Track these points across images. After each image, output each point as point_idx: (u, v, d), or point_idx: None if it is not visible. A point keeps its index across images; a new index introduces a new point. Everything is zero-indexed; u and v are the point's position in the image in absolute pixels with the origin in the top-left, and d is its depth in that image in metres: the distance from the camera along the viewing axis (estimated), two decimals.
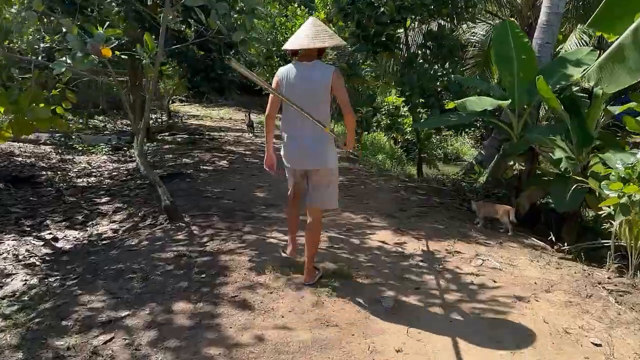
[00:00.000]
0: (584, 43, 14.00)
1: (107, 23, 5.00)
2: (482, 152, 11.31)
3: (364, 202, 6.18)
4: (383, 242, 4.62)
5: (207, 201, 5.77)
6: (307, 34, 3.33)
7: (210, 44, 7.53)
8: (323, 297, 3.41)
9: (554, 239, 5.10)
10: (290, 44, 3.39)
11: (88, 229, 5.54)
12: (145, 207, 5.96)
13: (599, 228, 6.23)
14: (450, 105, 5.29)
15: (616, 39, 4.37)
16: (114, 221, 5.70)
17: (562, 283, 3.77)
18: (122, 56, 4.88)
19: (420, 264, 4.12)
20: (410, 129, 9.13)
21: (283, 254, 4.00)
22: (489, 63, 15.08)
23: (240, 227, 4.87)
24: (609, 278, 4.01)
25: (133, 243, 4.65)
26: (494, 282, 3.76)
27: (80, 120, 13.71)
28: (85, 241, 5.11)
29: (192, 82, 8.66)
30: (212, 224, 4.97)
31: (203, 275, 3.77)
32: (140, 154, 5.25)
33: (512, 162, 5.55)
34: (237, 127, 14.52)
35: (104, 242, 5.00)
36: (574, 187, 4.90)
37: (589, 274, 4.06)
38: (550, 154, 5.19)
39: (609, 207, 4.37)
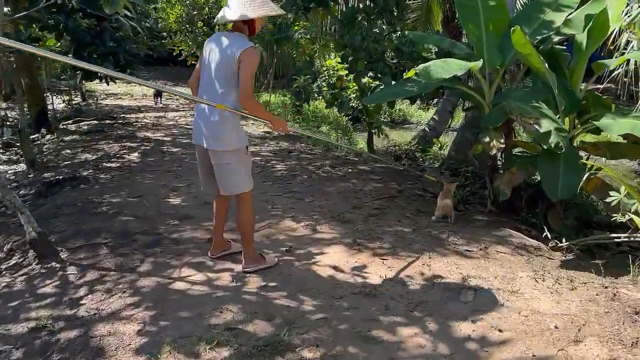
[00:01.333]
0: None
1: None
2: (434, 116, 10.24)
3: (307, 200, 4.93)
4: (336, 267, 3.40)
5: (99, 220, 4.32)
6: (231, 4, 3.08)
7: (98, 11, 5.87)
8: None
9: (549, 235, 4.08)
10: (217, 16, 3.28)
11: None
12: (19, 233, 4.44)
13: (586, 204, 5.31)
14: (411, 73, 4.03)
15: None
16: None
17: (590, 321, 2.68)
18: None
19: (390, 303, 2.93)
20: (354, 95, 7.85)
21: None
22: (431, 19, 13.89)
23: (137, 263, 3.50)
24: None
25: None
26: (500, 331, 2.62)
27: None
28: None
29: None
30: (98, 260, 3.56)
31: None
32: None
33: (488, 139, 4.41)
34: (160, 106, 12.80)
35: None
36: (569, 167, 3.86)
37: (615, 295, 3.01)
38: (536, 126, 4.07)
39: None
